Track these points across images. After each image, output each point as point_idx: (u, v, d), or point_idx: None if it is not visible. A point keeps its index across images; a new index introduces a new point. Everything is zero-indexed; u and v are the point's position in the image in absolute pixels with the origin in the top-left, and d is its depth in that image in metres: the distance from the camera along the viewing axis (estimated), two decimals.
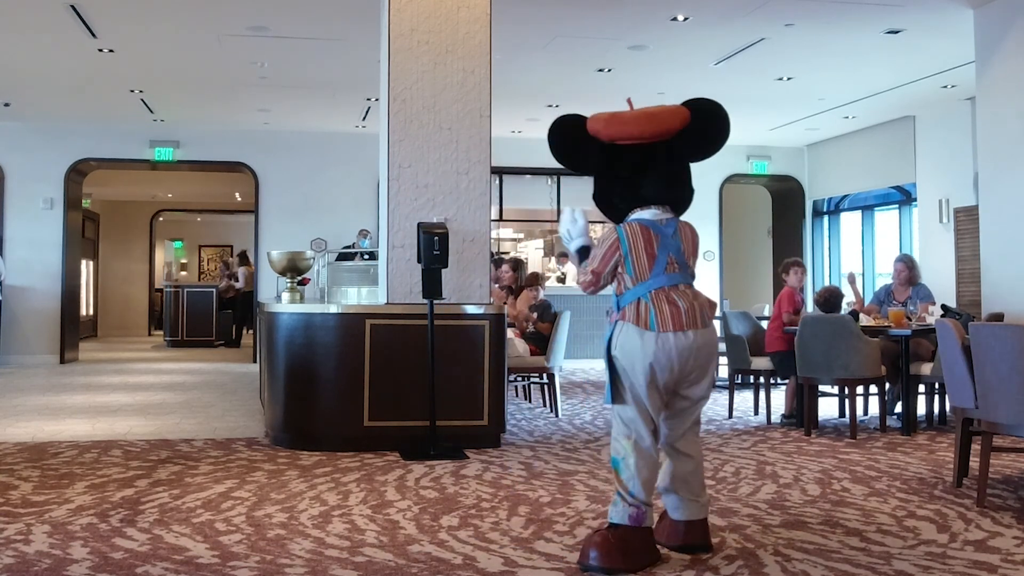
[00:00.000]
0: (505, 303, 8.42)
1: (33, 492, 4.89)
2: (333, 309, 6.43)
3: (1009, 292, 7.26)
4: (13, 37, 8.75)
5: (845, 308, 7.81)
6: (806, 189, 14.59)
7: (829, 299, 7.44)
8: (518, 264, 9.17)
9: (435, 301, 6.01)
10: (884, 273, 12.86)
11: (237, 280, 16.99)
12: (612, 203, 3.91)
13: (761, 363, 7.77)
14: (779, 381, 8.27)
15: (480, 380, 6.23)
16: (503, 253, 15.95)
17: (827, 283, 13.70)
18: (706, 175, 14.25)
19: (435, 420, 6.00)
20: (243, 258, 17.81)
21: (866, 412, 7.82)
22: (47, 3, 7.71)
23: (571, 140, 3.92)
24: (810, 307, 8.98)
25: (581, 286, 3.83)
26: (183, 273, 23.06)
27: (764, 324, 8.34)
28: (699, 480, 3.83)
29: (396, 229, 6.32)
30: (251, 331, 16.62)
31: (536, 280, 8.46)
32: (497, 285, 8.72)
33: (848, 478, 5.33)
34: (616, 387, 3.68)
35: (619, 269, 3.74)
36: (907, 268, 7.87)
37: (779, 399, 8.08)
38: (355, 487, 5.05)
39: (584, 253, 3.86)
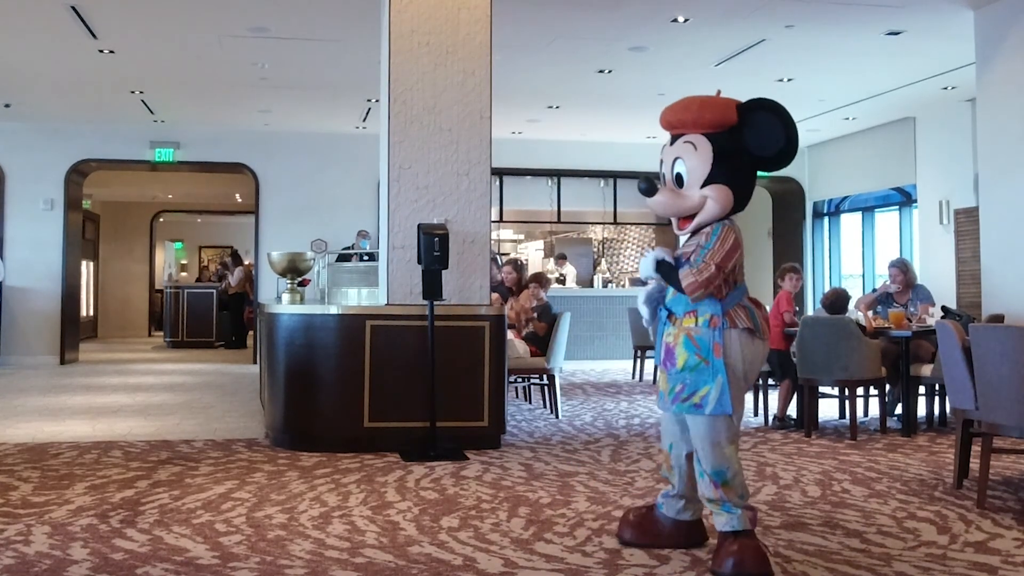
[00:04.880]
0: (504, 303, 8.42)
1: (33, 493, 4.89)
2: (333, 310, 6.42)
3: (1009, 294, 7.26)
4: (13, 37, 8.75)
5: (852, 312, 7.81)
6: (806, 190, 14.60)
7: (836, 301, 7.44)
8: (519, 266, 9.18)
9: (435, 302, 6.01)
10: (884, 274, 12.84)
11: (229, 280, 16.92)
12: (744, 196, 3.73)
13: None
14: (774, 383, 8.25)
15: (480, 381, 6.23)
16: (503, 254, 15.96)
17: (828, 285, 13.72)
18: None
19: (435, 421, 6.00)
20: (236, 258, 17.78)
21: (866, 413, 7.81)
22: (47, 3, 7.71)
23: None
24: (810, 312, 8.96)
25: (698, 286, 3.54)
26: (183, 274, 23.07)
27: (780, 309, 8.32)
28: None
29: (396, 230, 6.32)
30: (236, 338, 16.64)
31: (540, 280, 8.41)
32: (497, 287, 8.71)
33: (848, 479, 5.33)
34: (730, 394, 3.61)
35: (736, 270, 3.66)
36: (902, 272, 7.87)
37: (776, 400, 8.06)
38: (355, 488, 5.05)
39: (665, 266, 3.66)
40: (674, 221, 3.77)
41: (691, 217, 3.67)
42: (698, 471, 3.69)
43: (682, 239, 3.81)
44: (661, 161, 3.79)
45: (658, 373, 3.92)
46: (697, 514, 3.89)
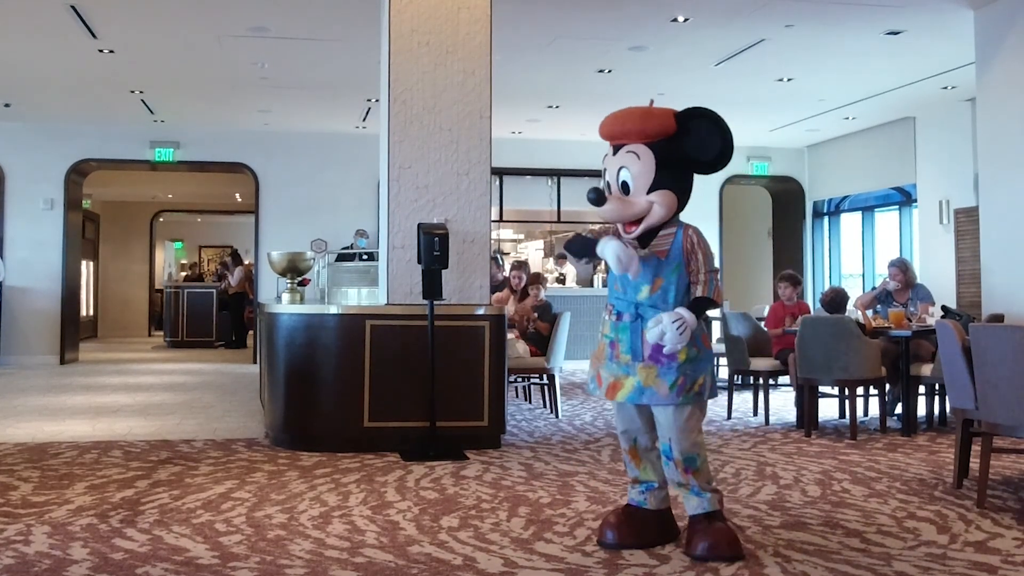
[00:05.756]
0: (512, 302, 8.46)
1: (33, 493, 4.89)
2: (333, 310, 6.43)
3: (1009, 293, 7.26)
4: (13, 37, 8.75)
5: (851, 311, 7.82)
6: (806, 190, 14.60)
7: (835, 299, 7.45)
8: (528, 269, 9.26)
9: (435, 302, 6.01)
10: (884, 274, 12.84)
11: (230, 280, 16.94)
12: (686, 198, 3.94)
13: (760, 364, 7.77)
14: (779, 383, 8.25)
15: (480, 381, 6.23)
16: (503, 253, 15.98)
17: (827, 285, 13.72)
18: (707, 176, 14.24)
19: (435, 421, 6.00)
20: (236, 258, 17.78)
21: (866, 413, 7.81)
22: (47, 3, 7.71)
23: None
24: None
25: (721, 292, 3.88)
26: (183, 274, 23.08)
27: (764, 325, 8.35)
28: None
29: (396, 230, 6.32)
30: (236, 338, 16.65)
31: (538, 280, 8.46)
32: (507, 289, 8.77)
33: (848, 479, 5.33)
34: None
35: None
36: (902, 272, 7.88)
37: (778, 400, 8.08)
38: (355, 488, 5.05)
39: (697, 305, 3.78)
40: (620, 225, 3.91)
41: (638, 222, 3.83)
42: (665, 459, 3.85)
43: (624, 238, 3.89)
44: (604, 170, 3.94)
45: (618, 367, 3.84)
46: (668, 500, 4.05)
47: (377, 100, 10.16)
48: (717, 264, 3.93)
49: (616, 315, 3.88)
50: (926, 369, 7.05)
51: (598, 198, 3.76)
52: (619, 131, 3.88)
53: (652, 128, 3.81)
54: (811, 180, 14.55)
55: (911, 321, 7.27)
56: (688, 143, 3.80)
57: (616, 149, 3.89)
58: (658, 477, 3.96)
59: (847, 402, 7.36)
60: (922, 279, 9.12)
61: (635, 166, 3.79)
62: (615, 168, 3.86)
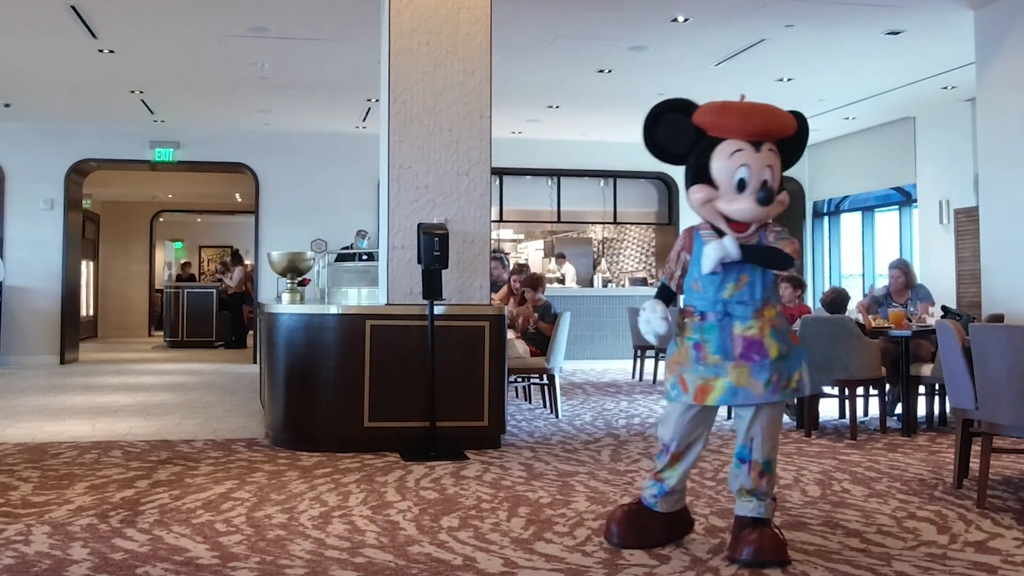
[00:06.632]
0: (512, 301, 8.45)
1: (33, 493, 4.89)
2: (333, 310, 6.42)
3: (1009, 293, 7.27)
4: (13, 37, 8.76)
5: (852, 312, 7.82)
6: (806, 190, 14.60)
7: (836, 299, 7.45)
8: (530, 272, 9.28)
9: (435, 302, 6.01)
10: (885, 274, 12.85)
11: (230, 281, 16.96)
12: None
13: None
14: None
15: (480, 381, 6.23)
16: (503, 253, 15.98)
17: (827, 285, 13.72)
18: None
19: (435, 421, 6.00)
20: (236, 257, 17.80)
21: (866, 413, 7.81)
22: (47, 3, 7.71)
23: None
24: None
25: (797, 252, 3.90)
26: (179, 274, 23.08)
27: None
28: None
29: (396, 230, 6.32)
30: (236, 338, 16.66)
31: (531, 283, 8.45)
32: (505, 288, 8.77)
33: (848, 479, 5.33)
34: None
35: None
36: (903, 273, 7.88)
37: None
38: (355, 488, 5.05)
39: (749, 250, 3.77)
40: (725, 224, 3.77)
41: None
42: (739, 461, 3.77)
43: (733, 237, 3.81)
44: (741, 166, 3.69)
45: (706, 369, 3.72)
46: (683, 500, 4.00)
47: (377, 100, 10.16)
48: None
49: (699, 315, 3.76)
50: (926, 369, 7.05)
51: (768, 196, 3.69)
52: (775, 128, 3.80)
53: (787, 128, 3.85)
54: (811, 180, 14.56)
55: (911, 321, 7.27)
56: (793, 146, 3.90)
57: (757, 146, 3.70)
58: (679, 483, 3.90)
59: (847, 402, 7.35)
60: (922, 279, 9.12)
61: (776, 166, 3.79)
62: (761, 165, 3.69)
